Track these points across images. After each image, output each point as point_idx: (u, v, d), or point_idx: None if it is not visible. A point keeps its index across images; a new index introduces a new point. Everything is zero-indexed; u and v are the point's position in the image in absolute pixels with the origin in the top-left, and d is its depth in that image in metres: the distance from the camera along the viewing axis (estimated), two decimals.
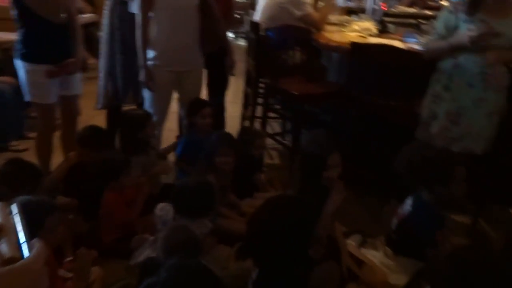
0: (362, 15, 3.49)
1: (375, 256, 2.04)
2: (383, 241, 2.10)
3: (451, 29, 2.10)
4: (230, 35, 5.36)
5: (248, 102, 3.42)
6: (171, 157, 2.80)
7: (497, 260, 1.28)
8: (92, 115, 3.10)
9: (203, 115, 2.54)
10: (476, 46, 1.99)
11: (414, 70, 2.27)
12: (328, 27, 3.19)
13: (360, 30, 3.04)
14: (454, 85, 2.13)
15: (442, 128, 2.19)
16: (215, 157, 2.24)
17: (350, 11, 3.93)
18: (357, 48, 2.42)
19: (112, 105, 2.83)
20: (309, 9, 3.09)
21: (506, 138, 2.24)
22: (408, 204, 2.03)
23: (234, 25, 5.90)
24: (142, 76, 2.48)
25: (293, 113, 3.13)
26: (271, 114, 3.43)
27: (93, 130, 2.39)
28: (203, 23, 2.55)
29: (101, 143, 2.32)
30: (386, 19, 3.43)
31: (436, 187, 1.87)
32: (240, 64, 3.18)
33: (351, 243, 2.10)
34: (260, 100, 3.34)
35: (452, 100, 2.15)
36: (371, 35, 2.97)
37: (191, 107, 2.59)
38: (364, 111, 2.62)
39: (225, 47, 2.71)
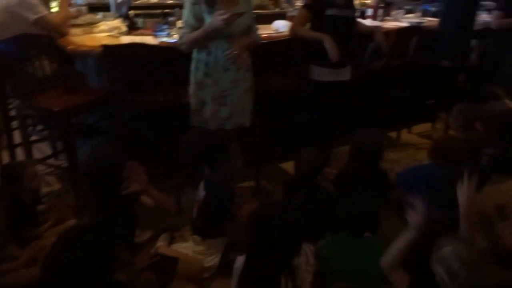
0: (108, 13, 3.36)
1: (187, 247, 2.11)
2: (190, 230, 2.19)
3: (200, 19, 2.25)
4: None
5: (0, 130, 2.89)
6: None
7: (281, 210, 1.63)
8: None
9: None
10: (227, 28, 2.20)
11: (171, 63, 2.35)
12: (74, 30, 2.94)
13: (109, 30, 2.92)
14: (212, 71, 2.33)
15: (213, 111, 2.39)
16: None
17: (93, 9, 3.73)
18: (109, 50, 2.33)
19: None
20: (44, 11, 2.75)
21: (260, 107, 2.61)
22: (201, 189, 2.16)
23: None
24: None
25: (60, 130, 2.82)
26: (34, 137, 3.01)
27: None
28: None
29: None
30: (132, 12, 3.41)
31: (219, 166, 2.04)
32: None
33: (161, 244, 2.11)
34: (15, 124, 2.87)
35: (214, 84, 2.35)
36: (122, 34, 2.90)
37: None
38: (137, 111, 2.59)
39: None
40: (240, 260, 1.68)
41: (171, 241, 2.17)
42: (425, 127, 4.06)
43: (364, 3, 5.01)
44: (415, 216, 1.62)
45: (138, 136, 2.65)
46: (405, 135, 3.88)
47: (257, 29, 2.47)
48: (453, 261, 1.40)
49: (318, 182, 2.34)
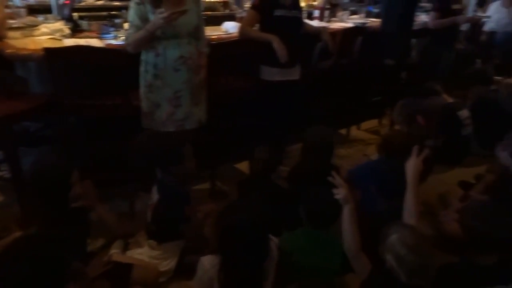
0: (49, 16, 3.22)
1: (142, 253, 2.07)
2: (145, 236, 2.15)
3: (146, 20, 2.22)
4: None
5: None
6: None
7: (239, 207, 1.63)
8: None
9: None
10: (173, 29, 2.19)
11: (119, 66, 2.30)
12: (12, 33, 2.79)
13: (51, 33, 2.80)
14: (162, 73, 2.30)
15: (168, 114, 2.36)
16: None
17: (32, 10, 3.56)
18: (52, 54, 2.23)
19: None
20: None
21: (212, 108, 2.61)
22: (154, 192, 2.13)
23: None
24: None
25: (0, 139, 2.66)
26: None
27: None
28: None
29: None
30: (76, 14, 3.29)
31: (172, 168, 2.02)
32: None
33: (115, 251, 2.05)
34: None
35: (166, 86, 2.32)
36: (65, 37, 2.79)
37: None
38: (83, 117, 2.51)
39: None
40: (207, 261, 1.66)
41: (126, 247, 2.13)
42: (372, 123, 4.23)
43: (311, 4, 5.16)
44: (339, 191, 1.68)
45: (86, 142, 2.56)
46: (354, 132, 4.03)
47: (204, 31, 2.47)
48: (399, 247, 1.48)
49: (272, 180, 2.37)
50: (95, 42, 2.64)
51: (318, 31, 3.06)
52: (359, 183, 2.35)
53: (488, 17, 4.99)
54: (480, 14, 5.04)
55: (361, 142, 3.86)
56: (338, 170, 2.46)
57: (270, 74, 2.81)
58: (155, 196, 2.10)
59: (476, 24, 5.04)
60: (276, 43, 2.62)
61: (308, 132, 2.35)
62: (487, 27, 5.14)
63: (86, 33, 2.95)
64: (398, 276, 1.49)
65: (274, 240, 1.72)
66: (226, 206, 1.62)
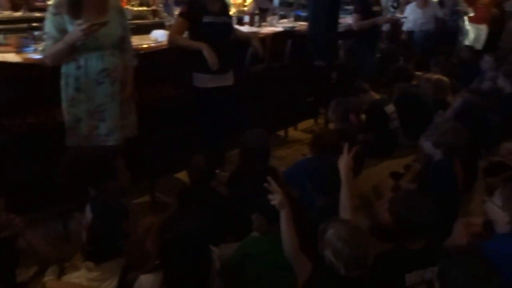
0: None
1: (79, 276, 1.95)
2: (82, 257, 2.04)
3: (63, 31, 2.11)
4: None
5: None
6: None
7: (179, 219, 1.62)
8: None
9: None
10: (95, 40, 2.11)
11: (40, 80, 2.17)
12: None
13: None
14: (84, 86, 2.20)
15: (90, 128, 2.26)
16: None
17: None
18: None
19: None
20: None
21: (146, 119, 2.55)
22: (88, 211, 2.03)
23: None
24: None
25: None
26: None
27: None
28: None
29: None
30: None
31: (104, 184, 1.94)
32: None
33: (49, 278, 1.93)
34: None
35: (88, 100, 2.22)
36: None
37: None
38: (3, 137, 2.33)
39: None
40: (146, 281, 1.61)
41: (62, 273, 2.00)
42: (309, 123, 4.37)
43: (242, 10, 5.24)
44: (275, 197, 1.67)
45: (9, 164, 2.38)
46: (292, 132, 4.13)
47: (130, 42, 2.41)
48: (336, 242, 1.53)
49: (213, 187, 2.36)
50: (11, 57, 2.47)
51: (248, 37, 3.10)
52: (296, 182, 2.41)
53: (405, 17, 5.38)
54: (398, 15, 5.40)
55: (299, 142, 3.96)
56: (276, 172, 2.52)
57: (203, 81, 2.80)
58: (88, 214, 1.99)
59: (396, 25, 5.40)
60: (206, 51, 2.62)
61: (244, 136, 2.36)
62: (406, 27, 5.53)
63: (2, 48, 2.75)
64: (338, 270, 1.54)
65: (215, 251, 1.70)
66: (164, 219, 1.59)
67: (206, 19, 2.70)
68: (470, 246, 1.80)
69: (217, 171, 3.06)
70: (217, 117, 2.90)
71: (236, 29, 3.18)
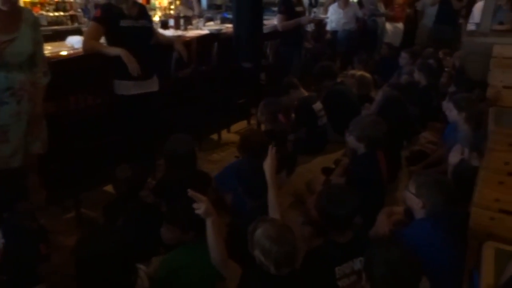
0: None
1: None
2: None
3: None
4: None
5: None
6: None
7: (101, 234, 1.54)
8: None
9: None
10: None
11: None
12: None
13: None
14: None
15: None
16: None
17: None
18: None
19: None
20: None
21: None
22: (0, 237, 1.85)
23: None
24: None
25: None
26: None
27: None
28: None
29: None
30: None
31: (15, 206, 1.79)
32: None
33: None
34: None
35: None
36: None
37: None
38: None
39: None
40: None
41: None
42: (242, 124, 4.36)
43: (167, 13, 5.13)
44: (199, 206, 1.62)
45: None
46: (225, 135, 4.11)
47: (42, 57, 2.24)
48: (264, 241, 1.52)
49: (142, 198, 2.26)
50: None
51: (171, 41, 3.03)
52: (228, 186, 2.38)
53: (327, 17, 5.59)
54: (321, 15, 5.60)
55: (233, 144, 3.93)
56: (208, 177, 2.47)
57: (126, 88, 2.68)
58: (0, 240, 1.82)
59: (320, 25, 5.59)
60: (125, 56, 2.50)
61: (167, 142, 2.29)
62: (329, 27, 5.75)
63: None
64: (268, 269, 1.53)
65: (142, 268, 1.62)
66: (79, 238, 1.48)
67: (124, 23, 2.59)
68: (391, 234, 1.88)
69: (149, 180, 2.96)
70: (143, 124, 2.79)
71: (159, 33, 3.09)
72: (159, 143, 2.93)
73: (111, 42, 2.62)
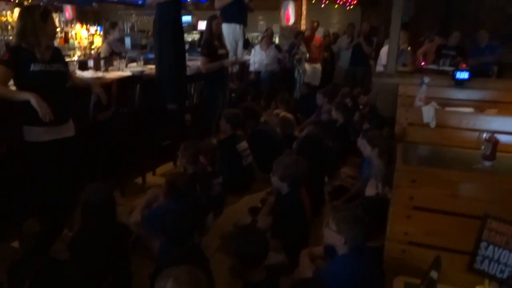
0: None
1: None
2: None
3: None
4: None
5: None
6: None
7: None
8: None
9: None
10: None
11: None
12: None
13: None
14: None
15: None
16: None
17: None
18: None
19: None
20: None
21: None
22: None
23: None
24: None
25: None
26: None
27: None
28: None
29: None
30: None
31: None
32: None
33: None
34: None
35: None
36: None
37: None
38: None
39: None
40: None
41: None
42: (168, 166, 4.26)
43: (87, 53, 4.97)
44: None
45: None
46: (150, 178, 3.97)
47: None
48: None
49: (51, 255, 2.07)
50: None
51: (88, 83, 2.92)
52: (154, 232, 2.28)
53: (248, 59, 5.82)
54: (244, 57, 5.81)
55: (159, 188, 3.82)
56: (128, 229, 2.34)
57: (37, 134, 2.50)
58: None
59: (243, 66, 5.78)
60: (35, 101, 2.35)
61: (83, 191, 2.16)
62: (252, 67, 5.97)
63: None
64: None
65: None
66: None
67: (35, 67, 2.45)
68: (315, 274, 1.91)
69: (65, 231, 2.73)
70: (57, 173, 2.60)
71: (75, 76, 2.97)
72: (77, 192, 2.76)
73: (20, 86, 2.46)
